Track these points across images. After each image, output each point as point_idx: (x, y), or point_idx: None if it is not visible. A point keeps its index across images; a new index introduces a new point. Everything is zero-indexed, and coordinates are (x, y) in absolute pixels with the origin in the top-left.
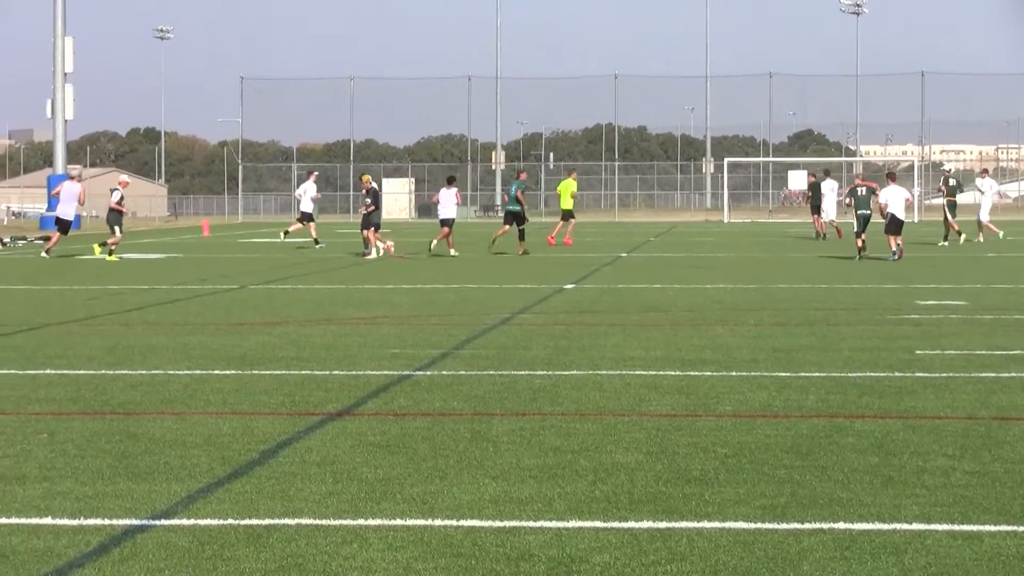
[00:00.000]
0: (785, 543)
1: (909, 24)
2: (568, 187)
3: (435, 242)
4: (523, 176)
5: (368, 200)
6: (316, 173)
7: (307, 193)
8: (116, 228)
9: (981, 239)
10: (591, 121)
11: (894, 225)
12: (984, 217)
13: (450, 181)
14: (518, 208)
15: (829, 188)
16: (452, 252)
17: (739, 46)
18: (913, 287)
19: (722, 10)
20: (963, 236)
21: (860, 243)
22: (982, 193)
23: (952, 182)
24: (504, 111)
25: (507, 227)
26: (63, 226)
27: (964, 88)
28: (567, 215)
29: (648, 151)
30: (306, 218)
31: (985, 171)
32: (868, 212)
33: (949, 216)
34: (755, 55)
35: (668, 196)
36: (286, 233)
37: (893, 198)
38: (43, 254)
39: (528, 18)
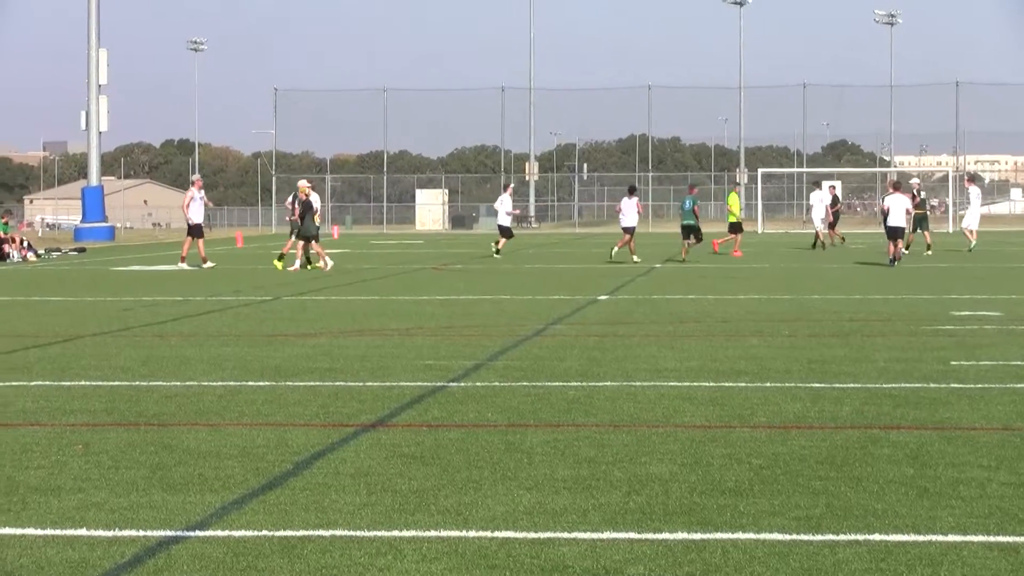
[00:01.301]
0: (820, 555)
1: (944, 34)
2: (736, 200)
3: (616, 248)
4: (695, 191)
5: (300, 210)
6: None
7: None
8: (294, 234)
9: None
10: (625, 132)
11: (894, 232)
12: (969, 225)
13: (631, 191)
14: (693, 221)
15: (818, 199)
16: (635, 259)
17: (773, 56)
18: (948, 298)
19: (756, 21)
20: (930, 250)
21: (894, 250)
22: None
23: (922, 195)
24: (538, 122)
25: (686, 242)
26: (193, 231)
27: (999, 98)
28: (736, 227)
29: (682, 162)
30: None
31: (971, 179)
32: (901, 224)
33: (921, 229)
34: (789, 65)
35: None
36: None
37: (895, 206)
38: (182, 263)
39: (562, 29)
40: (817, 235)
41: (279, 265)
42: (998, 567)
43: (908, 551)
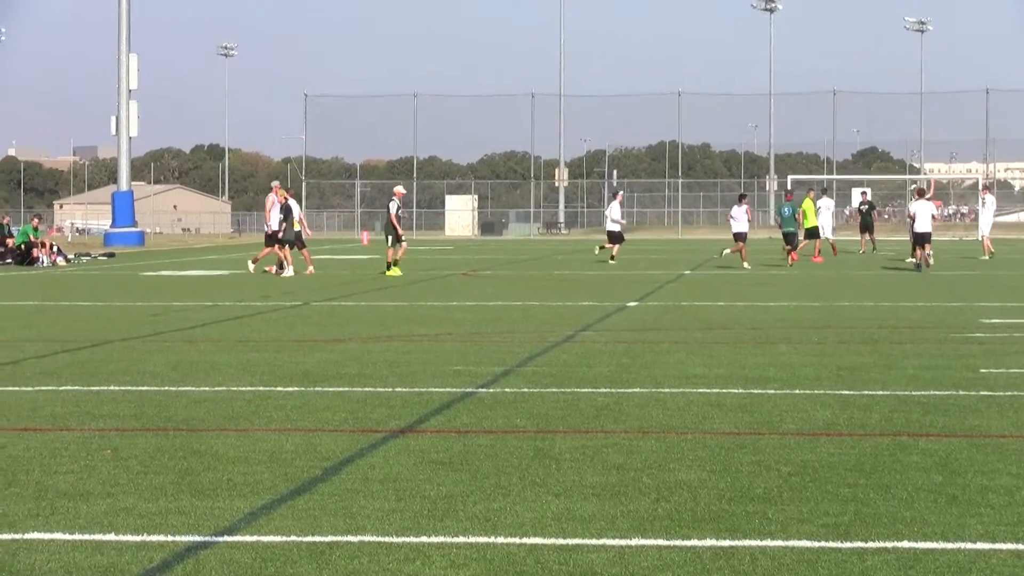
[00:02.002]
0: (849, 562)
1: (974, 41)
2: (811, 206)
3: (727, 252)
4: (791, 198)
5: (280, 216)
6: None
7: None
8: (390, 239)
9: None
10: (654, 138)
11: (921, 238)
12: (985, 232)
13: (741, 198)
14: (794, 228)
15: (825, 206)
16: (745, 265)
17: (803, 63)
18: (977, 305)
19: (786, 27)
20: (862, 251)
21: (919, 255)
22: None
23: (865, 207)
24: (567, 128)
25: (789, 247)
26: (270, 239)
27: None
28: (813, 233)
29: (711, 168)
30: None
31: (986, 187)
32: (927, 229)
33: (861, 235)
34: (819, 72)
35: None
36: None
37: (921, 212)
38: (251, 266)
39: (592, 35)
40: (828, 241)
41: (396, 271)
42: None
43: (936, 559)
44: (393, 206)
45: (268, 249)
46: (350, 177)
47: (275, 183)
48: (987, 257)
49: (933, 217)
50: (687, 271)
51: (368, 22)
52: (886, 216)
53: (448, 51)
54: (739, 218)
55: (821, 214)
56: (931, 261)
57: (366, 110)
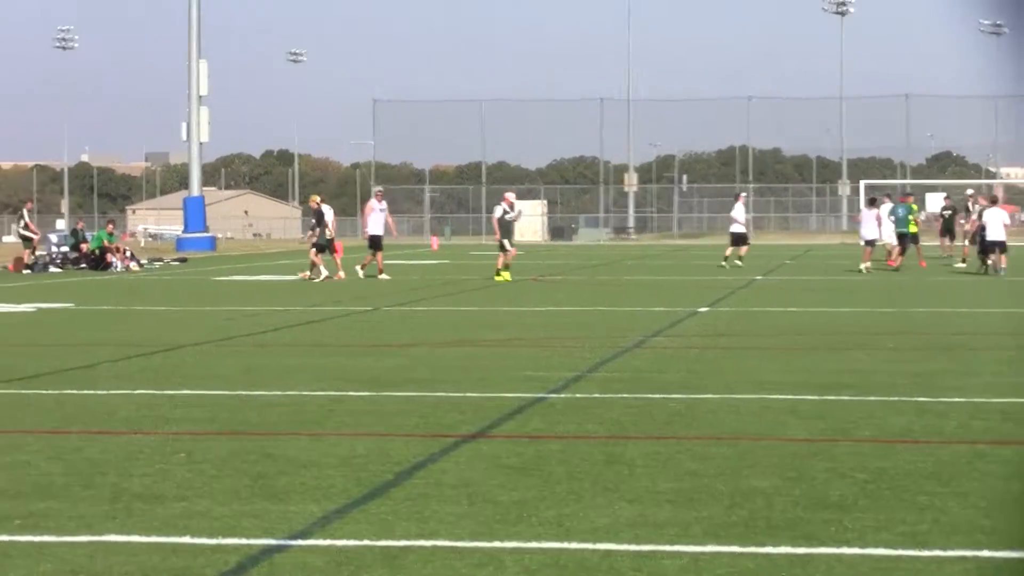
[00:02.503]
0: (926, 571)
1: None
2: (915, 210)
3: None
4: (908, 199)
5: (313, 221)
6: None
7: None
8: (506, 242)
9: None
10: (724, 143)
11: (996, 245)
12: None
13: (872, 202)
14: (907, 229)
15: (885, 212)
16: (862, 267)
17: (875, 67)
18: None
19: (858, 30)
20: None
21: (990, 260)
22: None
23: (948, 212)
24: (636, 133)
25: (895, 248)
26: (372, 242)
27: None
28: (912, 238)
29: (782, 173)
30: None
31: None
32: (903, 231)
33: (941, 239)
34: (891, 76)
35: (803, 219)
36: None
37: (992, 220)
38: (360, 271)
39: (660, 39)
40: (885, 247)
41: (506, 276)
42: None
43: (1015, 567)
44: (499, 210)
45: (371, 256)
46: (419, 182)
47: (377, 189)
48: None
49: (1005, 224)
50: (759, 276)
51: (437, 28)
52: (962, 221)
53: (517, 56)
54: (867, 222)
55: (883, 221)
56: (1003, 267)
57: (435, 115)
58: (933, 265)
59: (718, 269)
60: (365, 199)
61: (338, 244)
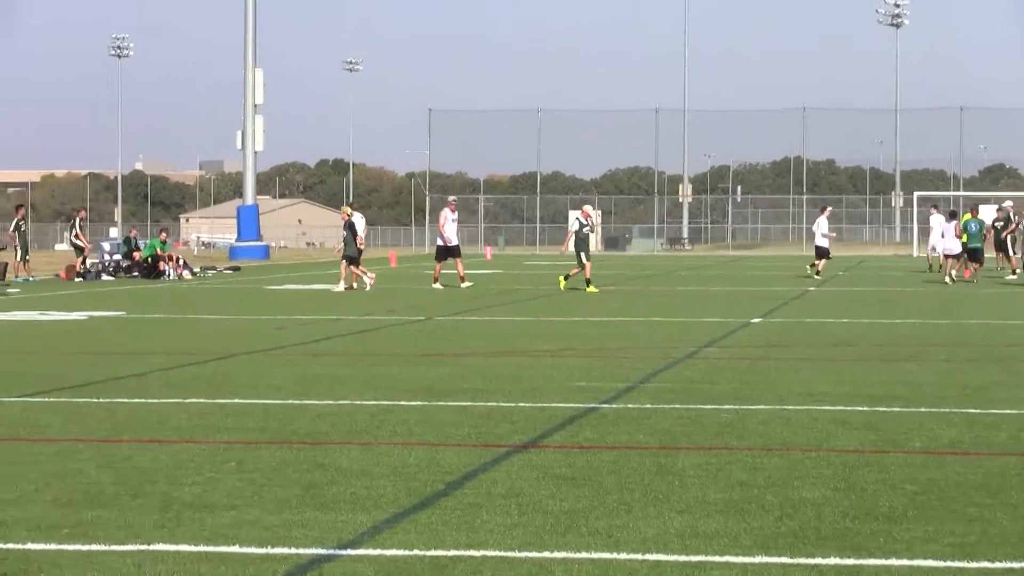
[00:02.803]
0: None
1: None
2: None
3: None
4: (977, 213)
5: (344, 232)
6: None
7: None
8: (583, 256)
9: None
10: (779, 154)
11: (968, 253)
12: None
13: (952, 215)
14: (980, 244)
15: (937, 222)
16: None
17: (929, 78)
18: None
19: (912, 42)
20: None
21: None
22: None
23: (1000, 224)
24: (691, 143)
25: (973, 264)
26: (442, 252)
27: None
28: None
29: (836, 184)
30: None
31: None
32: (976, 245)
33: (996, 253)
34: (946, 87)
35: (857, 229)
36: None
37: None
38: (435, 285)
39: (715, 50)
40: (932, 259)
41: (592, 289)
42: None
43: None
44: (575, 223)
45: (455, 261)
46: (473, 192)
47: (452, 198)
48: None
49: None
50: (811, 287)
51: (492, 37)
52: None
53: (572, 66)
54: (948, 235)
55: (933, 231)
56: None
57: (490, 125)
58: (987, 277)
59: (772, 279)
60: (419, 208)
61: (391, 253)
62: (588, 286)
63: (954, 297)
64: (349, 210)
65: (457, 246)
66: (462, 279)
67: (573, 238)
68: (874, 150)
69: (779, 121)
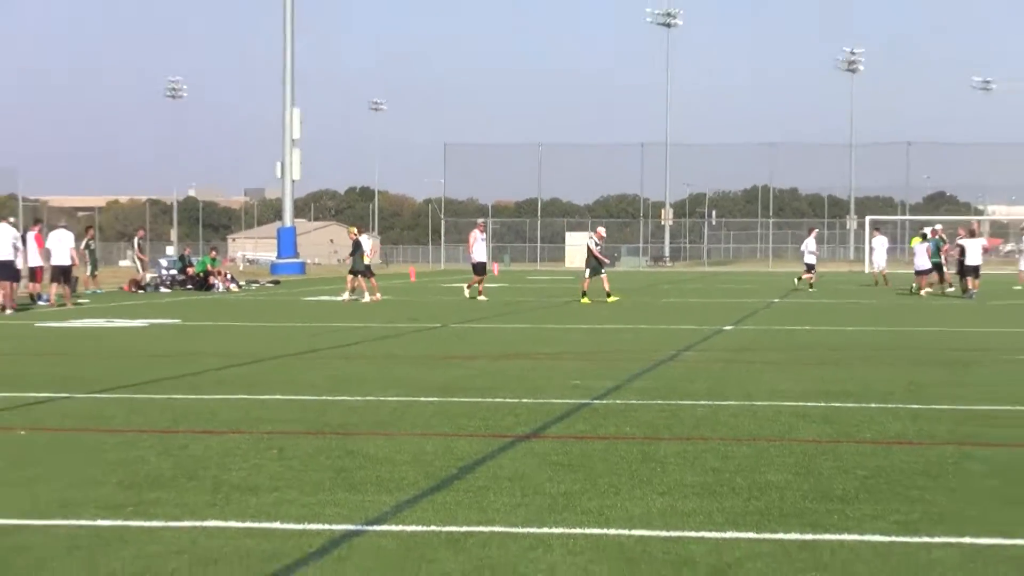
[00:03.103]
0: (917, 554)
1: None
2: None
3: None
4: (936, 235)
5: (351, 249)
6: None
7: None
8: (589, 271)
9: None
10: (749, 183)
11: (972, 270)
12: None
13: (971, 233)
14: (939, 260)
15: (879, 243)
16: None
17: (881, 117)
18: None
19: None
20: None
21: (968, 284)
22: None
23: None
24: (672, 174)
25: (938, 276)
26: (477, 268)
27: None
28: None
29: (799, 209)
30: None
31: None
32: (936, 260)
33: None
34: (895, 125)
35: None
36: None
37: (972, 248)
38: (466, 291)
39: (695, 92)
40: (876, 273)
41: (615, 298)
42: None
43: (996, 552)
44: (592, 243)
45: (477, 277)
46: (482, 215)
47: (479, 221)
48: (1021, 287)
49: (984, 249)
50: (776, 299)
51: (499, 81)
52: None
53: (568, 106)
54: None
55: (876, 251)
56: (977, 288)
57: (497, 157)
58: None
59: (742, 292)
60: (436, 230)
61: (411, 269)
62: (610, 296)
63: (900, 307)
64: (355, 231)
65: (482, 263)
66: (480, 292)
67: (587, 254)
68: (832, 179)
69: (749, 154)
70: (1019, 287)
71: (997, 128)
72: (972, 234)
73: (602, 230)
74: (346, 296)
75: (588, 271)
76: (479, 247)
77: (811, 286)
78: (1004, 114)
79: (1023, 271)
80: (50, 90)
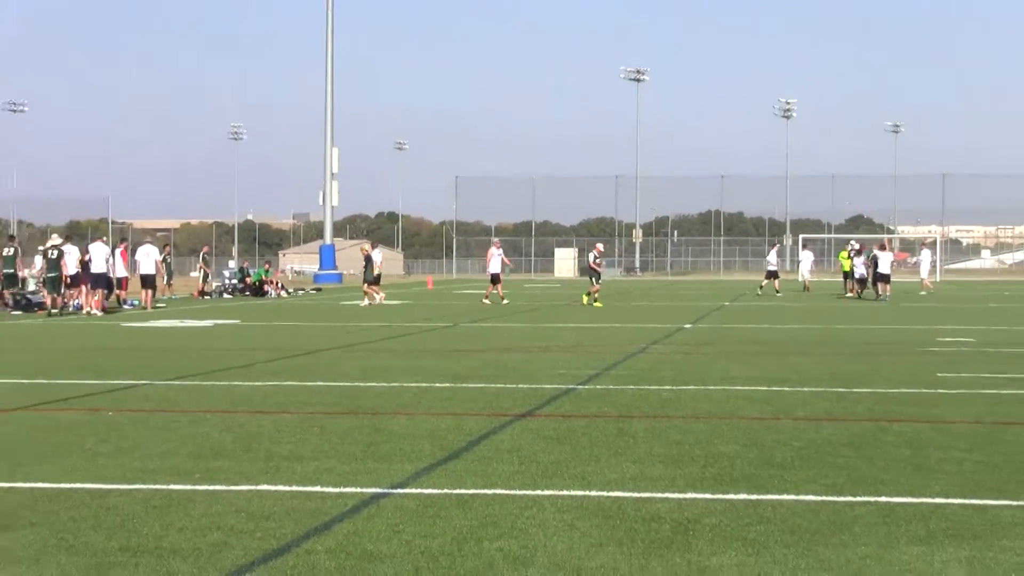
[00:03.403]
0: (842, 511)
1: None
2: (844, 255)
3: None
4: (863, 249)
5: (364, 263)
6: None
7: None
8: (593, 279)
9: (924, 292)
10: (704, 208)
11: (883, 278)
12: (924, 276)
13: (883, 248)
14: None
15: (806, 257)
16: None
17: (811, 154)
18: (936, 327)
19: (798, 129)
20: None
21: (879, 290)
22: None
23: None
24: (641, 200)
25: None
26: (492, 279)
27: (976, 184)
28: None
29: (744, 230)
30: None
31: (924, 244)
32: (887, 272)
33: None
34: (822, 160)
35: (759, 262)
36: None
37: (883, 259)
38: (485, 300)
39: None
40: (806, 283)
41: (591, 301)
42: (971, 522)
43: (906, 509)
44: (591, 256)
45: (492, 286)
46: (487, 235)
47: (495, 240)
48: (924, 293)
49: (893, 262)
50: (727, 303)
51: (502, 125)
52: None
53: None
54: (773, 261)
55: (802, 262)
56: (889, 293)
57: (499, 187)
58: (847, 296)
59: (699, 296)
60: (449, 247)
61: (429, 279)
62: (597, 301)
63: (826, 309)
64: (368, 246)
65: (498, 274)
66: (501, 297)
67: (591, 266)
68: (771, 205)
69: (704, 184)
70: (924, 292)
71: (904, 162)
72: (883, 248)
73: (601, 246)
74: (366, 302)
75: (594, 278)
76: (495, 261)
77: (777, 291)
78: (910, 151)
79: (924, 279)
80: (135, 131)
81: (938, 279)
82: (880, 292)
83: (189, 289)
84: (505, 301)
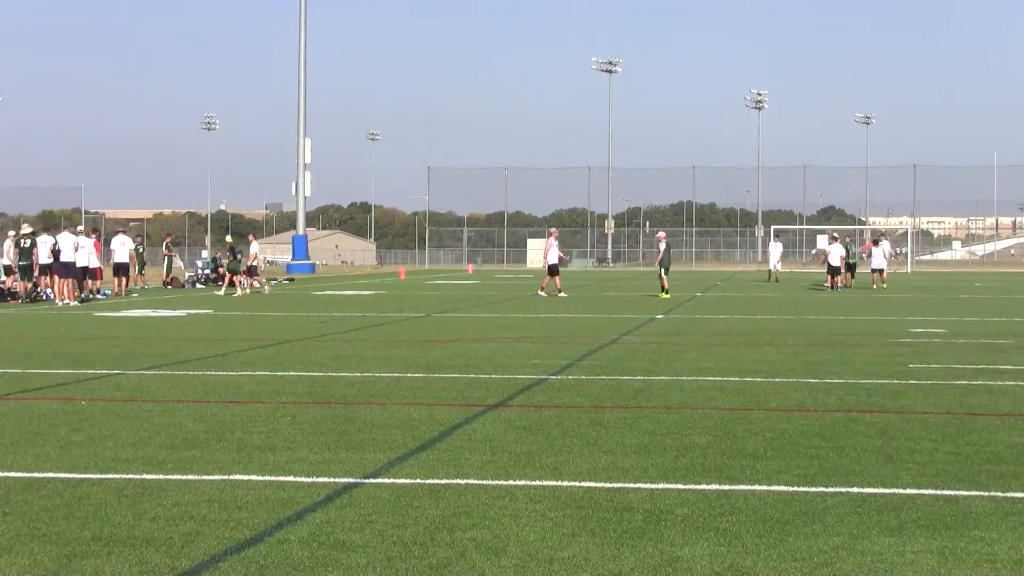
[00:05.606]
0: (814, 501)
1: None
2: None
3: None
4: (848, 240)
5: (229, 254)
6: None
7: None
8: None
9: (884, 285)
10: (676, 199)
11: (834, 269)
12: (882, 266)
13: (876, 242)
14: (855, 262)
15: (775, 248)
16: (561, 295)
17: (782, 145)
18: (907, 319)
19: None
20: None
21: (847, 281)
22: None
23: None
24: (614, 191)
25: (850, 275)
26: (551, 270)
27: (945, 176)
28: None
29: (716, 221)
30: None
31: (882, 236)
32: (853, 262)
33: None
34: (794, 150)
35: (730, 252)
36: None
37: (833, 252)
38: (542, 292)
39: (632, 122)
40: (771, 272)
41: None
42: (942, 512)
43: (878, 500)
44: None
45: (548, 277)
46: (459, 225)
47: (553, 230)
48: (876, 287)
49: (841, 257)
50: (699, 293)
51: (474, 114)
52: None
53: (529, 135)
54: (876, 256)
55: (771, 254)
56: (845, 284)
57: (472, 177)
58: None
59: (671, 287)
60: (421, 237)
61: (401, 269)
62: (561, 291)
63: (799, 300)
64: (229, 239)
65: (556, 265)
66: (559, 289)
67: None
68: (743, 196)
69: (676, 176)
70: (875, 287)
71: (876, 154)
72: (876, 243)
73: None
74: (239, 291)
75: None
76: (553, 251)
77: (776, 280)
78: (881, 142)
79: (876, 273)
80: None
81: (909, 271)
82: (843, 282)
83: (162, 279)
84: (563, 294)
